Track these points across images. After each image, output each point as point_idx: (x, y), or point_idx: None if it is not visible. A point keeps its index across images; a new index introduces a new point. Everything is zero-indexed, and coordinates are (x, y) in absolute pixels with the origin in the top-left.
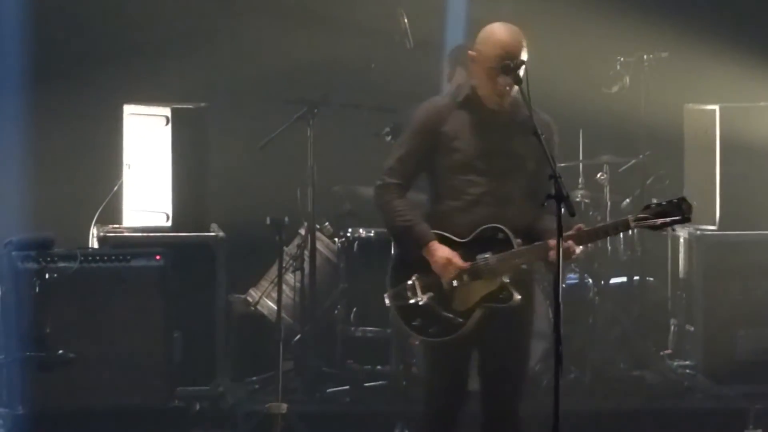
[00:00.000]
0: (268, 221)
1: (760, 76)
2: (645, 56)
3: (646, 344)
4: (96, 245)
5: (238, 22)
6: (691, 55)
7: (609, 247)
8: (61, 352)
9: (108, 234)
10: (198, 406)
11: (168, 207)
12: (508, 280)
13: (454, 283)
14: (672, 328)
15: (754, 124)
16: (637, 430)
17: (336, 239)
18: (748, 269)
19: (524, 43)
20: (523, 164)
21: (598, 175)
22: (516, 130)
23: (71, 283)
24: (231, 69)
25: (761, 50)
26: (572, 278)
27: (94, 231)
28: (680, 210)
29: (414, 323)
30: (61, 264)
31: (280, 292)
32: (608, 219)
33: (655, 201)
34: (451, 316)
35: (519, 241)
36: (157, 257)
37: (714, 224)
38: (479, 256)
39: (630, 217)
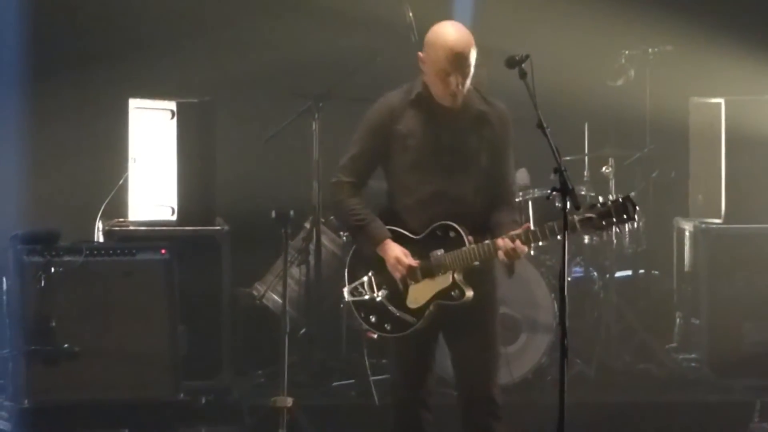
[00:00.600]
0: (273, 215)
1: (766, 69)
2: (650, 49)
3: (651, 337)
4: (101, 239)
5: (244, 16)
6: (697, 48)
7: (614, 241)
8: (66, 345)
9: (113, 228)
10: (203, 400)
11: (173, 201)
12: (460, 278)
13: (408, 280)
14: (677, 321)
15: (759, 117)
16: (643, 423)
17: (341, 233)
18: (753, 262)
19: (472, 44)
20: (476, 161)
21: (603, 169)
22: (468, 126)
23: (77, 276)
24: (236, 63)
25: (767, 43)
26: (578, 272)
27: (99, 225)
28: (625, 210)
29: (370, 318)
30: (67, 258)
31: (285, 285)
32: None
33: (601, 200)
34: (403, 313)
35: (470, 238)
36: (163, 251)
37: (719, 217)
38: (432, 254)
39: (576, 217)
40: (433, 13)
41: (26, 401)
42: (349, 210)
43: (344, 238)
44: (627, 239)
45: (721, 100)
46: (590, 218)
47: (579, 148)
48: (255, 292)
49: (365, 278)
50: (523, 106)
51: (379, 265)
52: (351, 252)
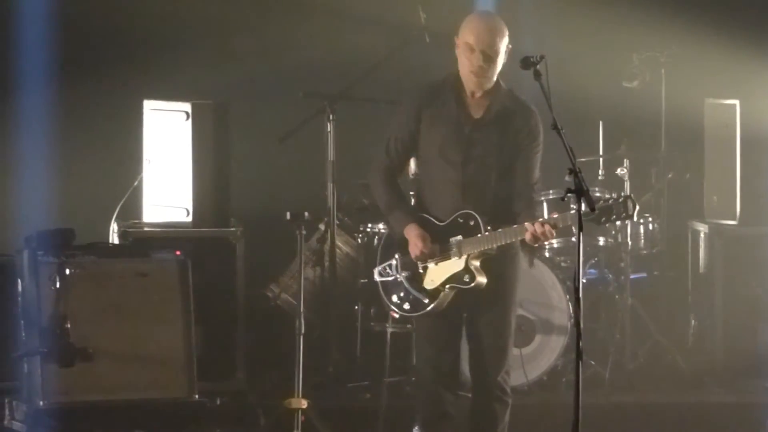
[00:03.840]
0: (288, 216)
1: None
2: (665, 51)
3: (666, 338)
4: (116, 240)
5: (258, 18)
6: (712, 49)
7: (629, 242)
8: (80, 346)
9: (128, 229)
10: (218, 401)
11: (188, 202)
12: (474, 264)
13: (428, 263)
14: (692, 322)
15: None
16: (657, 425)
17: (356, 234)
18: None
19: (502, 30)
20: (498, 154)
21: (618, 170)
22: (493, 119)
23: (91, 277)
24: (251, 64)
25: None
26: (592, 273)
27: (114, 226)
28: (625, 208)
29: (393, 298)
30: (82, 259)
31: (300, 287)
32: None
33: (604, 197)
34: (419, 293)
35: (488, 227)
36: (177, 252)
37: (734, 219)
38: (451, 239)
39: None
40: (447, 14)
41: (41, 402)
42: (380, 193)
43: (359, 239)
44: (642, 241)
45: (736, 102)
46: (593, 212)
47: (594, 149)
48: (270, 294)
49: (393, 260)
50: (539, 107)
51: (405, 248)
52: (383, 236)
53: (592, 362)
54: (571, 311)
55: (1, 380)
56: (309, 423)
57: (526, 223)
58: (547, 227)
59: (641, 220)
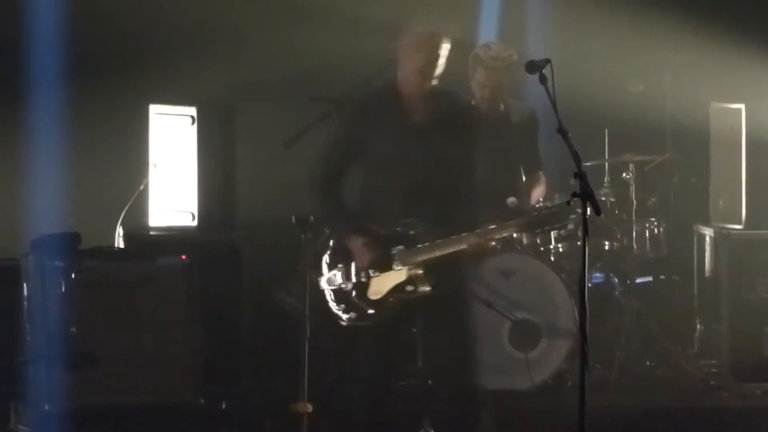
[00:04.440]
0: (293, 220)
1: None
2: (670, 55)
3: (672, 343)
4: (122, 244)
5: (264, 21)
6: (717, 53)
7: (635, 246)
8: (86, 351)
9: (134, 233)
10: (224, 405)
11: (194, 206)
12: (416, 273)
13: (372, 273)
14: (698, 326)
15: None
16: (664, 429)
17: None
18: None
19: (438, 35)
20: (441, 156)
21: (624, 174)
22: (436, 125)
23: (97, 282)
24: (256, 68)
25: None
26: (598, 277)
27: (120, 230)
28: (558, 218)
29: (340, 307)
30: (87, 263)
31: (305, 291)
32: (634, 218)
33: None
34: (364, 305)
35: (430, 236)
36: (183, 256)
37: (740, 223)
38: (394, 248)
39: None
40: (451, 18)
41: (47, 406)
42: (322, 203)
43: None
44: (647, 245)
45: (741, 106)
46: (532, 221)
47: (599, 153)
48: (275, 298)
49: (338, 269)
50: (545, 112)
51: (349, 258)
52: (331, 243)
53: (598, 366)
54: (577, 315)
55: (7, 384)
56: (314, 427)
57: (463, 234)
58: (484, 239)
59: (647, 224)
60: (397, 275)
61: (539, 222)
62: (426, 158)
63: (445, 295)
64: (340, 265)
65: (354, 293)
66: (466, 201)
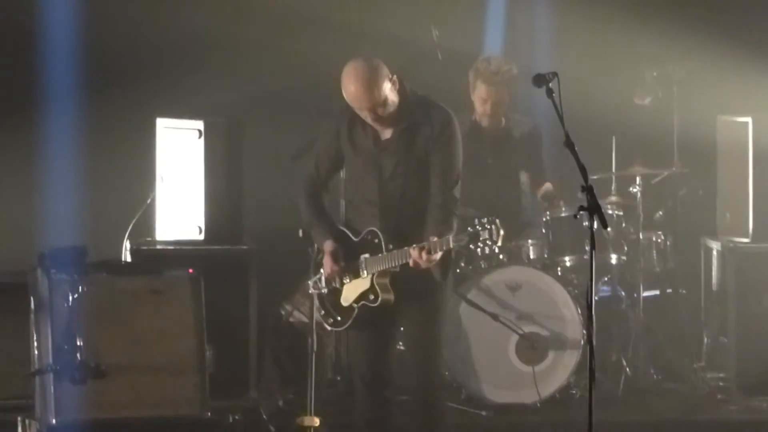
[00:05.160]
0: (300, 233)
1: None
2: (677, 68)
3: (679, 356)
4: (129, 258)
5: (270, 35)
6: (724, 66)
7: (642, 259)
8: (93, 364)
9: (141, 247)
10: (231, 419)
11: (201, 220)
12: (381, 281)
13: (343, 280)
14: (705, 340)
15: None
16: None
17: None
18: None
19: (368, 85)
20: (408, 168)
21: (631, 187)
22: (397, 135)
23: (104, 295)
24: (263, 81)
25: None
26: (605, 290)
27: (127, 244)
28: (490, 234)
29: (321, 311)
30: (94, 276)
31: (311, 304)
32: (641, 231)
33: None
34: (336, 311)
35: (390, 246)
36: (190, 270)
37: (747, 236)
38: (360, 257)
39: (450, 237)
40: (459, 31)
41: (54, 420)
42: (303, 208)
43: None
44: (655, 258)
45: (748, 119)
46: (463, 239)
47: (606, 166)
48: (282, 311)
49: (320, 274)
50: (552, 124)
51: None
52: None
53: (605, 379)
54: (584, 328)
55: (14, 398)
56: None
57: (406, 248)
58: (422, 254)
59: (654, 237)
60: (363, 283)
61: (472, 238)
62: (395, 171)
63: (416, 302)
64: (321, 270)
65: (329, 299)
66: (432, 211)
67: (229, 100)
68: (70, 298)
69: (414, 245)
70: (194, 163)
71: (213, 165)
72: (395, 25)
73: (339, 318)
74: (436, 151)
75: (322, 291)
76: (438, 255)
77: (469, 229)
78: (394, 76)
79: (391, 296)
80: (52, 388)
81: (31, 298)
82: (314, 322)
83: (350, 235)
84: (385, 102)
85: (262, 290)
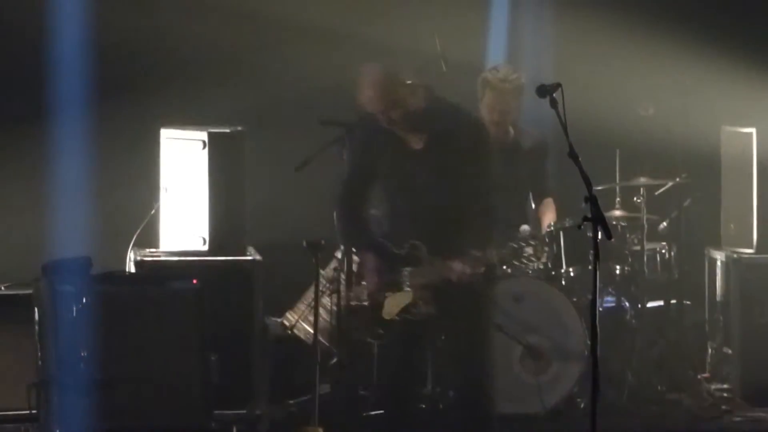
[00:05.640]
0: (304, 244)
1: None
2: (681, 78)
3: (683, 367)
4: (133, 269)
5: (274, 46)
6: (728, 77)
7: (646, 270)
8: (97, 375)
9: (145, 258)
10: (235, 429)
11: (205, 230)
12: (422, 294)
13: (385, 293)
14: (710, 351)
15: None
16: None
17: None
18: None
19: (378, 90)
20: (442, 179)
21: (635, 198)
22: (430, 148)
23: (108, 306)
24: (267, 92)
25: None
26: (609, 301)
27: (131, 255)
28: (534, 250)
29: (365, 323)
30: (98, 287)
31: (316, 315)
32: (645, 242)
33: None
34: (377, 324)
35: (433, 258)
36: (194, 281)
37: (751, 247)
38: (404, 270)
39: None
40: (462, 42)
41: (57, 431)
42: (344, 223)
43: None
44: (659, 269)
45: (753, 130)
46: (504, 254)
47: (610, 177)
48: (286, 322)
49: (360, 287)
50: (555, 135)
51: (367, 276)
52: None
53: (609, 390)
54: (588, 339)
55: (18, 409)
56: None
57: (449, 262)
58: (466, 268)
59: (658, 248)
60: (405, 296)
61: (516, 254)
62: (428, 182)
63: (457, 319)
64: (363, 283)
65: (371, 311)
66: (473, 222)
67: (233, 111)
68: (74, 309)
69: (457, 259)
70: (198, 173)
71: (217, 176)
72: (400, 35)
73: (381, 331)
74: (468, 160)
75: (364, 303)
76: (481, 268)
77: (513, 244)
78: (414, 81)
79: (431, 310)
80: (56, 399)
81: (36, 309)
82: (317, 330)
83: (392, 247)
84: (397, 105)
85: (266, 301)
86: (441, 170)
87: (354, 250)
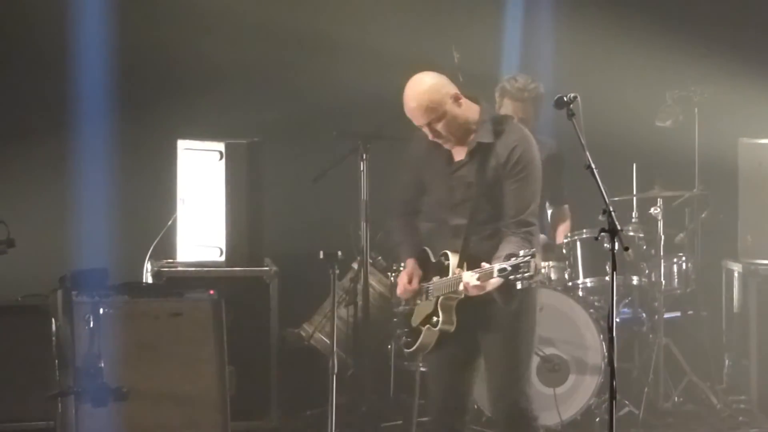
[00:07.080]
0: (321, 255)
1: None
2: (699, 90)
3: (700, 378)
4: (150, 280)
5: (291, 58)
6: (745, 88)
7: (663, 281)
8: (114, 386)
9: (162, 269)
10: None
11: (222, 242)
12: (446, 304)
13: (417, 301)
14: (727, 362)
15: None
16: None
17: (389, 273)
18: None
19: (421, 104)
20: (478, 191)
21: (652, 209)
22: (470, 159)
23: (125, 317)
24: (284, 104)
25: None
26: (626, 313)
27: (148, 266)
28: (527, 268)
29: (404, 330)
30: (115, 298)
31: (333, 326)
32: (662, 253)
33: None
34: (407, 331)
35: (458, 269)
36: (211, 292)
37: None
38: (433, 278)
39: (495, 265)
40: (480, 53)
41: None
42: (396, 233)
43: (392, 278)
44: (676, 280)
45: None
46: (505, 269)
47: (627, 188)
48: (303, 333)
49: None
50: (572, 147)
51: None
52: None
53: (626, 402)
54: (605, 351)
55: (36, 420)
56: None
57: (463, 273)
58: (471, 279)
59: (675, 260)
60: (430, 306)
61: (514, 269)
62: (466, 193)
63: (489, 333)
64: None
65: (406, 318)
66: (506, 234)
67: (250, 122)
68: (92, 320)
69: (463, 270)
70: (215, 184)
71: (234, 187)
72: (416, 47)
73: (409, 339)
74: (506, 175)
75: (403, 310)
76: (492, 281)
77: (513, 260)
78: (459, 93)
79: (450, 322)
80: (74, 410)
81: (53, 320)
82: (335, 342)
83: (431, 255)
84: (440, 118)
85: (283, 312)
86: (477, 183)
87: (400, 255)
